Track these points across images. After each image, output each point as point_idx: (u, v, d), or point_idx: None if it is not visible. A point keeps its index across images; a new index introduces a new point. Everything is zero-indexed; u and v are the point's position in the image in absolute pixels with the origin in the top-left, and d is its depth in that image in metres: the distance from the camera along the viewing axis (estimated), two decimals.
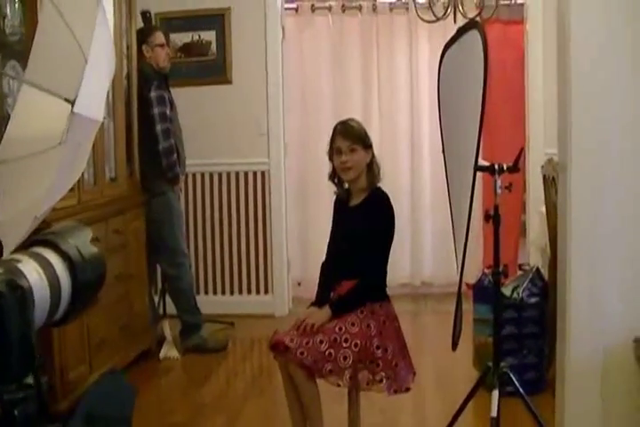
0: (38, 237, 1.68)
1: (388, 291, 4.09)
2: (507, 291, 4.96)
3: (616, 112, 3.89)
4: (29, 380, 1.59)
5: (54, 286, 1.59)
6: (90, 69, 2.56)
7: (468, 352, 5.24)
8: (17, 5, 4.49)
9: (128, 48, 5.89)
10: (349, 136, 4.05)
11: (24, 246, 1.66)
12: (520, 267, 6.29)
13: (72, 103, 2.49)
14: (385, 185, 4.19)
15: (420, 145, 7.99)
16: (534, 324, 4.96)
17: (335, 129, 4.12)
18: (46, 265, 1.60)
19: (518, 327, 4.93)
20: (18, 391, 1.56)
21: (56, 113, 2.48)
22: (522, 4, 7.31)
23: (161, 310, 6.54)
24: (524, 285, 5.03)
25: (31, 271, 1.56)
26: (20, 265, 1.56)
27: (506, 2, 7.25)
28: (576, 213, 3.89)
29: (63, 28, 2.80)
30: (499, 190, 3.74)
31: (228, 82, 7.24)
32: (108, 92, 5.40)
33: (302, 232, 8.01)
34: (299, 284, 7.87)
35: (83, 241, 1.71)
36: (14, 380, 1.56)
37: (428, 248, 8.13)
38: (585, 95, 3.90)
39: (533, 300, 4.98)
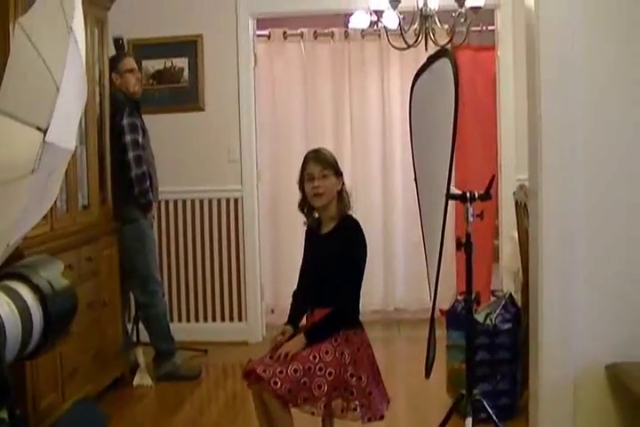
0: (9, 271, 1.67)
1: (361, 317, 4.09)
2: (480, 317, 4.96)
3: (584, 138, 3.94)
4: (3, 414, 1.58)
5: (26, 320, 1.58)
6: (61, 98, 2.56)
7: (442, 378, 5.23)
8: None
9: (100, 75, 5.88)
10: (321, 162, 4.07)
11: None
12: (493, 293, 6.32)
13: (44, 132, 2.49)
14: (357, 211, 4.21)
15: (392, 171, 7.99)
16: (507, 350, 4.96)
17: (307, 156, 4.14)
18: (17, 298, 1.60)
19: (491, 353, 4.93)
20: None
21: (27, 141, 2.47)
22: (493, 31, 7.35)
23: (134, 338, 6.50)
24: (497, 311, 5.03)
25: (2, 305, 1.55)
26: None
27: (477, 28, 7.28)
28: (547, 239, 3.92)
29: (35, 57, 2.80)
30: (470, 218, 3.76)
31: (201, 109, 7.25)
32: (80, 120, 5.40)
33: (275, 259, 7.99)
34: (272, 311, 7.85)
35: (54, 274, 1.71)
36: None
37: (400, 274, 8.12)
38: (554, 122, 3.95)
39: (506, 326, 4.98)
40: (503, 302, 5.10)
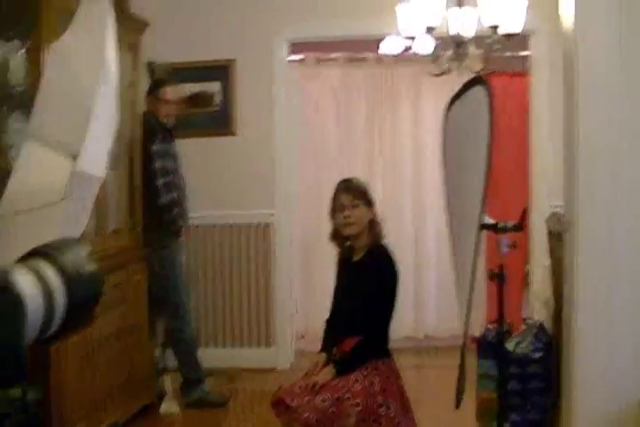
0: (36, 249, 1.64)
1: (391, 344, 4.07)
2: (510, 346, 4.90)
3: (626, 167, 3.88)
4: (17, 392, 1.56)
5: (49, 300, 1.55)
6: (93, 126, 2.55)
7: (472, 408, 5.16)
8: (21, 57, 4.53)
9: (133, 100, 5.89)
10: (352, 191, 4.10)
11: (21, 258, 1.62)
12: (524, 321, 6.24)
13: (75, 158, 2.48)
14: (388, 239, 4.19)
15: (424, 197, 7.96)
16: (539, 379, 4.89)
17: (338, 187, 4.17)
18: (42, 278, 1.57)
19: (522, 383, 4.86)
20: (7, 405, 1.53)
21: (58, 167, 2.46)
22: (524, 57, 7.31)
23: (162, 364, 6.48)
24: (528, 339, 4.97)
25: (26, 282, 1.53)
26: (14, 276, 1.53)
27: (509, 54, 7.24)
28: (584, 270, 3.86)
29: (68, 83, 2.79)
30: (504, 249, 3.68)
31: (233, 133, 7.24)
32: (112, 145, 5.41)
33: (306, 285, 7.96)
34: (302, 336, 7.80)
35: (81, 257, 1.67)
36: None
37: (431, 301, 8.07)
38: (593, 147, 3.91)
39: (538, 355, 4.92)
40: (535, 331, 5.04)
